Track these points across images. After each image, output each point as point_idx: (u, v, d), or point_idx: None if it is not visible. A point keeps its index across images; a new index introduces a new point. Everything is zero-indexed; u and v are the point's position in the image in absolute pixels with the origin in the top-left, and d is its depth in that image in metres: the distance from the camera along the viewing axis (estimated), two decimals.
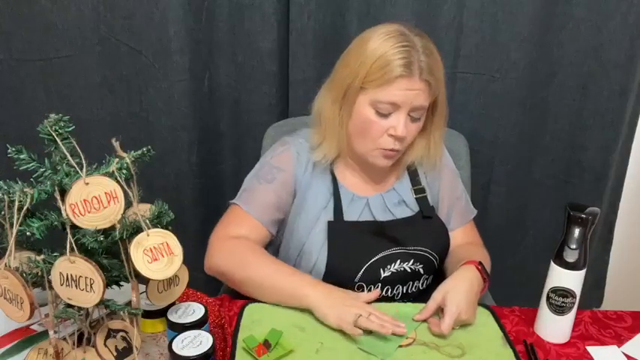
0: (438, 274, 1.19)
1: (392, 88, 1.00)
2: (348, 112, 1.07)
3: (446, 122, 1.15)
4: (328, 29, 1.48)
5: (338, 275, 1.08)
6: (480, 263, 1.07)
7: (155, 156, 0.79)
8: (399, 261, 1.12)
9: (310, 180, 1.14)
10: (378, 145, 1.06)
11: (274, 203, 1.14)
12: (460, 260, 1.10)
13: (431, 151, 1.15)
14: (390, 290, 1.13)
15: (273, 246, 1.20)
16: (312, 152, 1.14)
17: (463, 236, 1.24)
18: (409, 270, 1.13)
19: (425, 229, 1.17)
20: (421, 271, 1.15)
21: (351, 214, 1.14)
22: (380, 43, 1.01)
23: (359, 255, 1.11)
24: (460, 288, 1.01)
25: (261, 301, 1.05)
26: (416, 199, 1.18)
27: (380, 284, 1.11)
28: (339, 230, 1.11)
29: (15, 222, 0.71)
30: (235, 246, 1.10)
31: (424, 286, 1.18)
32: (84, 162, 0.74)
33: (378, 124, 1.04)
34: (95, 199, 0.72)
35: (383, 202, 1.16)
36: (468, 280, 1.02)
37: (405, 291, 1.15)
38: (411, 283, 1.15)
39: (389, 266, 1.12)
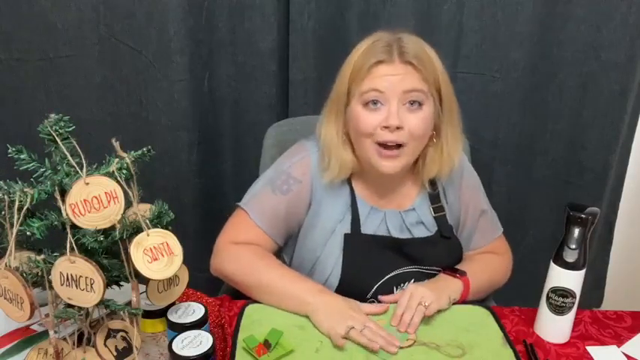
0: None
1: (373, 76, 0.98)
2: (344, 121, 1.05)
3: (459, 122, 1.08)
4: (328, 29, 1.48)
5: (351, 290, 1.06)
6: (448, 267, 1.10)
7: (155, 156, 0.79)
8: (413, 280, 1.10)
9: (327, 191, 1.10)
10: (373, 139, 1.00)
11: (285, 215, 1.11)
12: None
13: (444, 156, 1.07)
14: None
15: (287, 256, 1.18)
16: (322, 173, 1.10)
17: (485, 249, 1.21)
18: None
19: (442, 250, 1.14)
20: None
21: (368, 228, 1.10)
22: (360, 46, 1.02)
23: (374, 270, 1.09)
24: (421, 285, 1.05)
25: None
26: (434, 218, 1.14)
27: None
28: (356, 243, 1.09)
29: (15, 222, 0.71)
30: (242, 251, 1.09)
31: None
32: (84, 162, 0.74)
33: (369, 117, 1.00)
34: (95, 199, 0.72)
35: (401, 220, 1.12)
36: (429, 281, 1.09)
37: None
38: None
39: (402, 284, 1.10)
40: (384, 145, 1.00)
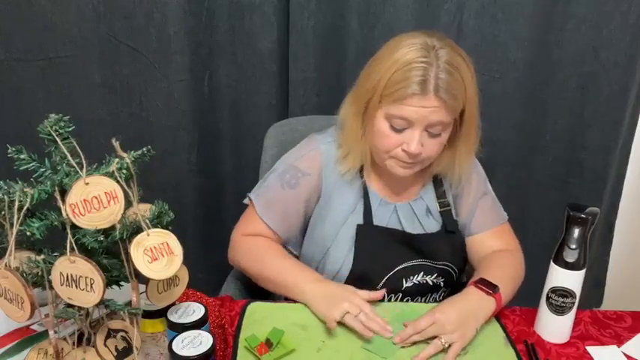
0: (455, 286, 1.18)
1: (405, 105, 0.97)
2: (369, 124, 1.04)
3: (476, 138, 1.09)
4: (328, 29, 1.48)
5: (361, 281, 1.07)
6: (481, 280, 1.02)
7: (155, 156, 0.78)
8: (422, 273, 1.12)
9: (337, 183, 1.12)
10: (392, 155, 1.04)
11: (295, 209, 1.13)
12: (477, 276, 1.06)
13: (456, 166, 1.11)
14: (409, 301, 1.13)
15: (295, 249, 1.19)
16: (338, 163, 1.11)
17: (493, 241, 1.17)
18: (431, 283, 1.13)
19: (449, 245, 1.15)
20: (442, 284, 1.15)
21: (379, 219, 1.12)
22: (400, 56, 0.97)
23: (385, 261, 1.10)
24: (451, 313, 0.96)
25: (265, 299, 1.07)
26: (440, 212, 1.15)
27: (401, 294, 1.11)
28: (368, 234, 1.10)
29: (15, 222, 0.71)
30: (251, 243, 1.14)
31: (441, 297, 1.17)
32: (84, 162, 0.74)
33: (391, 138, 1.01)
34: (95, 199, 0.72)
35: (412, 211, 1.14)
36: (460, 303, 0.99)
37: (422, 302, 1.15)
38: (430, 294, 1.16)
39: (412, 277, 1.11)
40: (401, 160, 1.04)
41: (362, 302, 0.98)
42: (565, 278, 0.95)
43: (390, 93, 0.97)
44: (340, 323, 0.96)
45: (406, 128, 1.00)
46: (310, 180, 1.12)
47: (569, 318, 0.98)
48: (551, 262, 0.97)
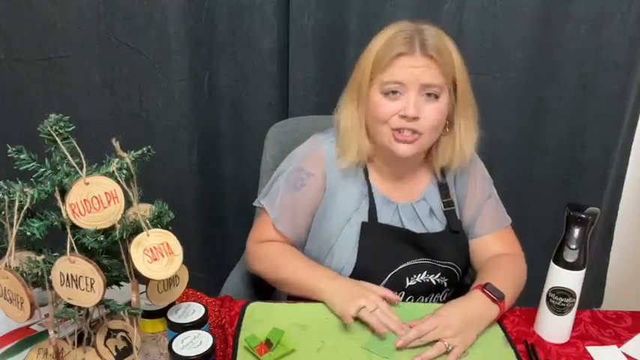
0: (458, 287, 1.18)
1: (394, 67, 1.00)
2: (364, 108, 1.06)
3: (474, 114, 1.09)
4: (328, 29, 1.48)
5: (364, 278, 1.07)
6: (487, 285, 1.01)
7: (155, 156, 0.79)
8: (425, 272, 1.11)
9: (341, 180, 1.12)
10: (390, 125, 1.03)
11: (303, 212, 1.14)
12: (481, 279, 1.06)
13: (457, 145, 1.09)
14: (412, 300, 1.13)
15: (300, 247, 1.19)
16: (338, 159, 1.11)
17: (496, 244, 1.17)
18: (434, 282, 1.13)
19: (453, 244, 1.15)
20: (445, 284, 1.14)
21: (383, 218, 1.12)
22: (385, 34, 1.03)
23: (388, 260, 1.10)
24: (453, 317, 0.96)
25: (266, 299, 1.06)
26: (444, 212, 1.15)
27: (404, 293, 1.11)
28: (373, 232, 1.10)
29: (15, 222, 0.71)
30: (264, 250, 1.15)
31: (444, 298, 1.17)
32: (84, 162, 0.74)
33: (387, 106, 1.02)
34: (95, 199, 0.72)
35: (414, 211, 1.14)
36: (464, 307, 0.99)
37: (426, 302, 1.15)
38: (433, 294, 1.15)
39: (415, 276, 1.11)
40: (400, 130, 1.03)
41: (378, 299, 0.99)
42: (565, 278, 0.95)
43: (378, 62, 1.01)
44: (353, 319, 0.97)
45: (401, 94, 1.01)
46: (315, 180, 1.12)
47: (569, 318, 0.98)
48: (551, 262, 0.97)
